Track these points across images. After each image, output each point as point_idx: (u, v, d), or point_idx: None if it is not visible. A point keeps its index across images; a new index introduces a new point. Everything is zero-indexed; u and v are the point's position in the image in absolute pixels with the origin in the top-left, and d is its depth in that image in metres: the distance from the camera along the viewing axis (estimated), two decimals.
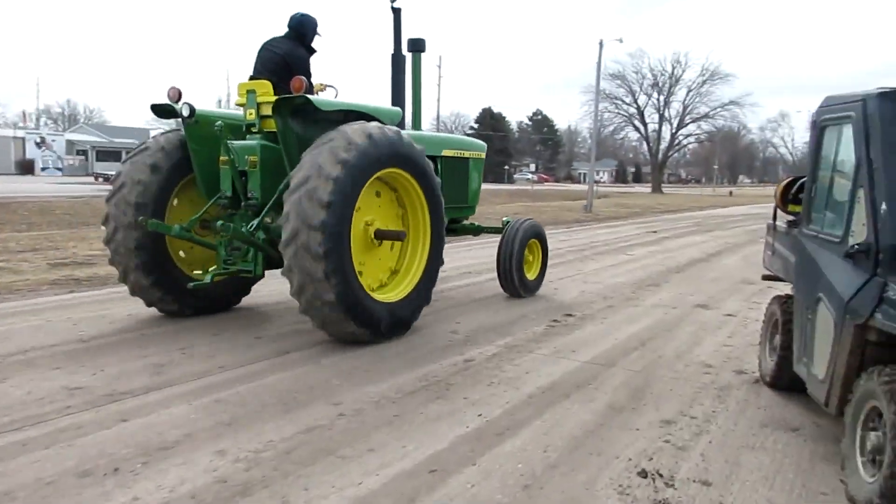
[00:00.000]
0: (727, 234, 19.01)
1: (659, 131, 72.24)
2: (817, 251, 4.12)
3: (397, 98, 8.17)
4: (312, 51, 6.94)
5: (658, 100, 71.06)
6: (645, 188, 75.96)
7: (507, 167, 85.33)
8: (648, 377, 5.29)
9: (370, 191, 6.10)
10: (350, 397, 4.62)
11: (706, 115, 70.87)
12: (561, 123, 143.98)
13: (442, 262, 6.88)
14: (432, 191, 6.63)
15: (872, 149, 3.53)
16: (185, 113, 6.42)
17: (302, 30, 6.85)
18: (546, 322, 7.16)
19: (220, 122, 6.23)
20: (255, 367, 5.24)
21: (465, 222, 9.06)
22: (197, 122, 6.51)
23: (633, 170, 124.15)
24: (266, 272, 6.65)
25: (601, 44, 31.44)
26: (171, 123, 9.30)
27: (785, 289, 5.15)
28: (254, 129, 6.50)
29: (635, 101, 70.39)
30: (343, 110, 6.26)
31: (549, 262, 9.31)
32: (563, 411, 4.46)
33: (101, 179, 48.90)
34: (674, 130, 72.26)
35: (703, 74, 68.66)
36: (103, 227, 6.63)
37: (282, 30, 6.91)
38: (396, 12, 8.03)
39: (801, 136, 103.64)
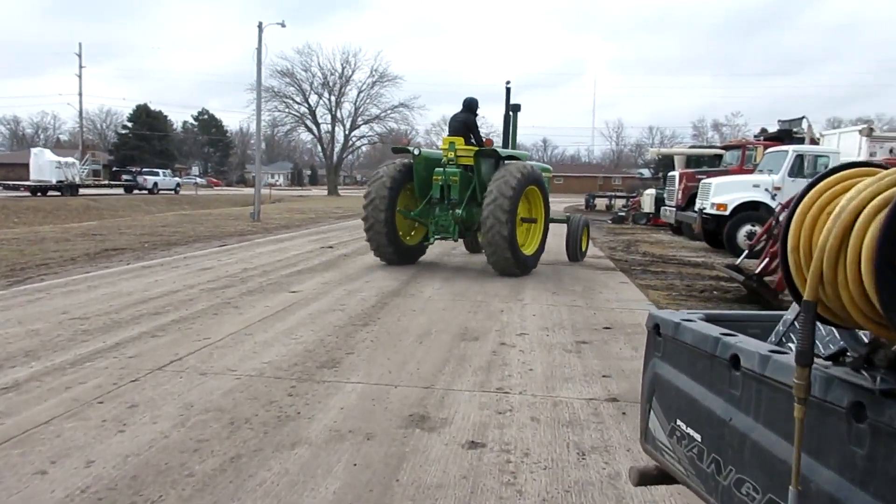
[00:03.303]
0: None
1: (332, 132, 70.00)
2: None
3: (505, 140, 13.40)
4: (476, 115, 12.18)
5: (329, 100, 68.74)
6: (322, 191, 73.19)
7: (169, 171, 75.64)
8: None
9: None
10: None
11: (377, 117, 70.36)
12: (232, 124, 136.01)
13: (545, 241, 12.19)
14: (546, 197, 12.02)
15: None
16: (416, 153, 11.61)
17: (470, 106, 12.08)
18: None
19: (444, 158, 11.64)
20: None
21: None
22: (420, 157, 11.60)
23: (309, 172, 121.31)
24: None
25: (260, 26, 26.92)
26: None
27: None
28: (452, 163, 11.57)
29: (306, 101, 67.20)
30: (506, 156, 11.90)
31: (152, 340, 5.03)
32: None
33: None
34: (347, 132, 70.53)
35: (373, 76, 68.00)
36: (363, 221, 11.63)
37: None
38: (508, 89, 12.99)
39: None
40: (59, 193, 43.90)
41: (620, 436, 4.15)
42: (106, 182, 54.62)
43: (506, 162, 11.64)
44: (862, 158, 16.31)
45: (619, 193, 44.37)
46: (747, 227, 16.26)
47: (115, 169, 60.01)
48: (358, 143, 76.60)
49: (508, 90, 12.90)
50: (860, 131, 16.72)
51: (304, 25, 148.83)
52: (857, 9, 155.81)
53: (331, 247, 15.44)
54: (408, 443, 3.96)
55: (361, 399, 4.72)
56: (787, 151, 16.82)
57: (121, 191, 53.84)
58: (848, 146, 16.93)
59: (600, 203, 40.80)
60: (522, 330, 7.07)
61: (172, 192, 56.43)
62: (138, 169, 59.87)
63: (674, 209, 20.86)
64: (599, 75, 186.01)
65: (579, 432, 4.20)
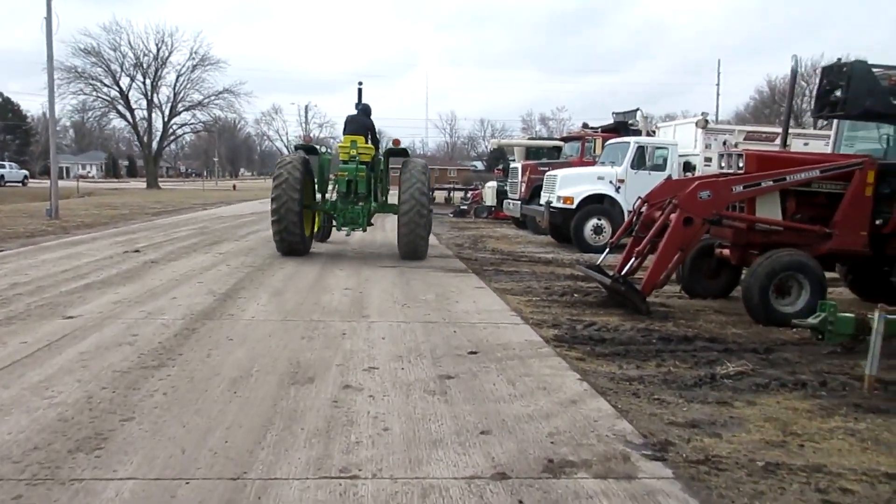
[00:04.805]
0: (242, 248, 13.89)
1: (149, 119, 64.16)
2: None
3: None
4: (371, 117, 13.65)
5: (144, 83, 62.89)
6: (141, 183, 67.09)
7: (15, 163, 65.43)
8: None
9: None
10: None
11: (200, 103, 65.52)
12: (33, 109, 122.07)
13: None
14: (431, 190, 16.83)
15: None
16: (322, 150, 14.38)
17: (366, 110, 13.59)
18: None
19: (350, 154, 12.68)
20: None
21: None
22: (321, 155, 13.93)
23: (126, 163, 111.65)
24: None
25: None
26: None
27: None
28: (354, 159, 12.67)
29: (117, 83, 60.99)
30: (405, 154, 13.65)
31: None
32: None
33: None
34: (166, 119, 65.05)
35: (193, 58, 63.13)
36: (274, 223, 12.04)
37: None
38: (360, 90, 13.95)
39: (293, 130, 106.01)
40: None
41: None
42: None
43: (405, 160, 13.27)
44: (698, 150, 16.46)
45: (457, 186, 43.92)
46: (594, 221, 15.86)
47: None
48: (179, 132, 71.19)
49: (360, 90, 13.99)
50: (696, 123, 16.85)
51: (110, 1, 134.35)
52: (662, 13, 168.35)
53: (137, 251, 13.05)
54: None
55: None
56: (628, 143, 16.61)
57: None
58: (684, 138, 17.04)
59: (439, 196, 40.07)
60: (371, 362, 5.60)
61: (20, 184, 53.75)
62: None
63: (518, 202, 20.28)
64: (432, 67, 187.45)
65: None
